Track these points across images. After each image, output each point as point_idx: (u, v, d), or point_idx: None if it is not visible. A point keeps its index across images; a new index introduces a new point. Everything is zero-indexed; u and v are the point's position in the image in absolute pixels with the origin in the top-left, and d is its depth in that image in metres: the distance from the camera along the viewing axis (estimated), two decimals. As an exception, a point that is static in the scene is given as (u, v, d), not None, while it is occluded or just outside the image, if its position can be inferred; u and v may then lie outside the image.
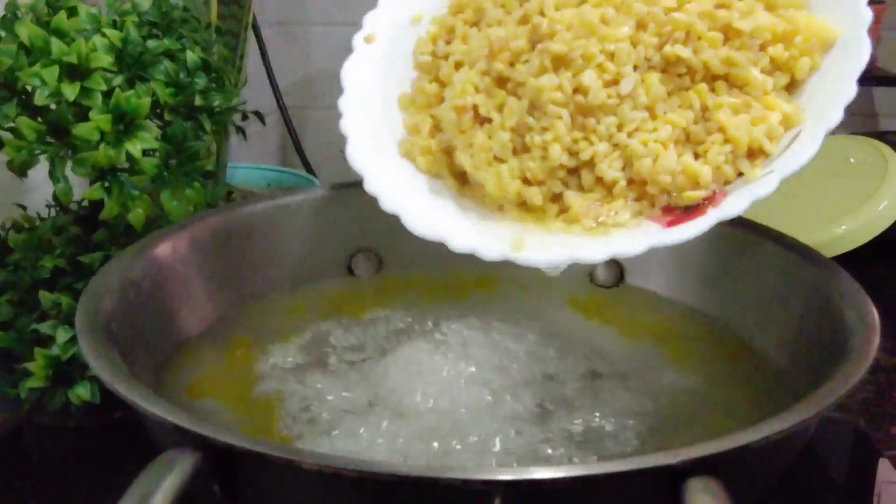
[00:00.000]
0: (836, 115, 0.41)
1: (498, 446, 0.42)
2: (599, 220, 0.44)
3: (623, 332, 0.53)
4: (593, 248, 0.43)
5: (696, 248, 0.54)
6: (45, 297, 0.50)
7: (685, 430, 0.44)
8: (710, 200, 0.43)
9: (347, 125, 0.52)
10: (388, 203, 0.48)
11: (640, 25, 0.45)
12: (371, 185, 0.49)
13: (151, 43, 0.50)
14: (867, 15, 0.44)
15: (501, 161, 0.46)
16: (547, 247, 0.44)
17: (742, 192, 0.42)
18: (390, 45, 0.54)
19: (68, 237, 0.52)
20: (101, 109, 0.48)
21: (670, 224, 0.43)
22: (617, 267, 0.58)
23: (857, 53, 0.43)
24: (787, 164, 0.41)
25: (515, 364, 0.48)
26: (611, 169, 0.44)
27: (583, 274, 0.58)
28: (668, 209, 0.44)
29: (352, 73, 0.54)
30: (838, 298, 0.44)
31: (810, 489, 0.52)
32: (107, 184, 0.49)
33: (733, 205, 0.42)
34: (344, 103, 0.53)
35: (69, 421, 0.53)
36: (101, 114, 0.47)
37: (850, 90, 0.42)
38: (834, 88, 0.43)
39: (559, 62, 0.45)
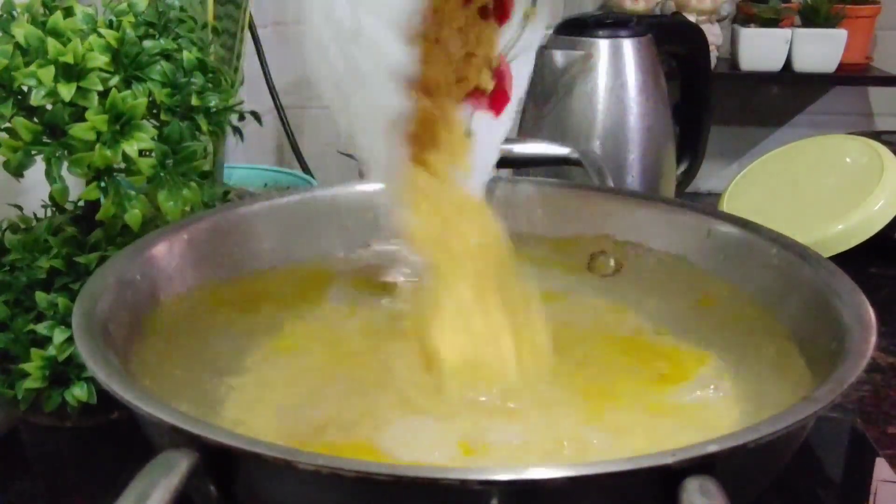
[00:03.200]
0: None
1: None
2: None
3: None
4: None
5: (692, 247, 0.55)
6: (41, 297, 0.49)
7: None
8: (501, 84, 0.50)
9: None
10: None
11: None
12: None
13: (148, 43, 0.50)
14: None
15: None
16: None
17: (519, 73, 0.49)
18: None
19: (65, 238, 0.52)
20: (97, 110, 0.47)
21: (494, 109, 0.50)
22: (617, 263, 0.58)
23: None
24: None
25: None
26: None
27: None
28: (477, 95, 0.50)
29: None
30: (835, 298, 0.44)
31: (807, 488, 0.52)
32: (103, 184, 0.49)
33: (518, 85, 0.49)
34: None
35: (66, 421, 0.53)
36: (98, 114, 0.47)
37: None
38: None
39: None
